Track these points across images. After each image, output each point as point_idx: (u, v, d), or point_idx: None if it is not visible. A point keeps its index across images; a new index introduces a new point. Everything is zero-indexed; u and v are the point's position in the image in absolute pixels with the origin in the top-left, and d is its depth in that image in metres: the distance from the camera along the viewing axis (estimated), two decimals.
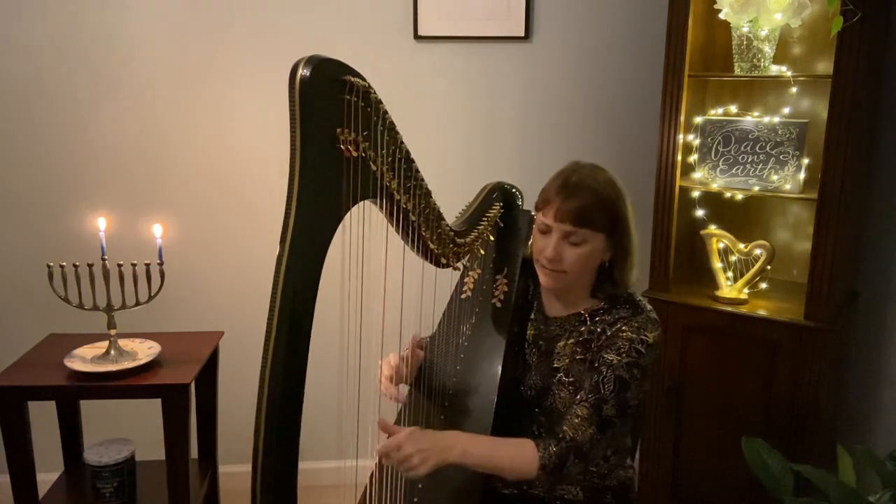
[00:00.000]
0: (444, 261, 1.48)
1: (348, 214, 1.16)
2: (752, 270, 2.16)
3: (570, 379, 1.49)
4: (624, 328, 1.45)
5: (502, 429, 1.47)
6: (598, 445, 1.39)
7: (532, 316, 1.63)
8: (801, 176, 2.06)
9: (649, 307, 1.50)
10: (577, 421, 1.39)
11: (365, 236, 1.25)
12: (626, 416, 1.42)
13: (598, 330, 1.49)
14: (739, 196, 2.21)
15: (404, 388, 1.60)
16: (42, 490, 1.93)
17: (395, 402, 1.54)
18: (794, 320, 2.03)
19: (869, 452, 1.91)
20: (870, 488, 1.88)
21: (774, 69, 2.10)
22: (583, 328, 1.52)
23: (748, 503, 2.14)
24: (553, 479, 1.39)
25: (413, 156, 1.29)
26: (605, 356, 1.43)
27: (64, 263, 1.87)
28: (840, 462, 1.89)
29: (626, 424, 1.48)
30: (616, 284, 1.52)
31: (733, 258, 2.19)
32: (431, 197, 1.37)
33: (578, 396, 1.43)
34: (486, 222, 1.61)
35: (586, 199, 1.43)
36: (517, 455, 1.38)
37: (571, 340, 1.52)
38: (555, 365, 1.53)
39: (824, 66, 2.18)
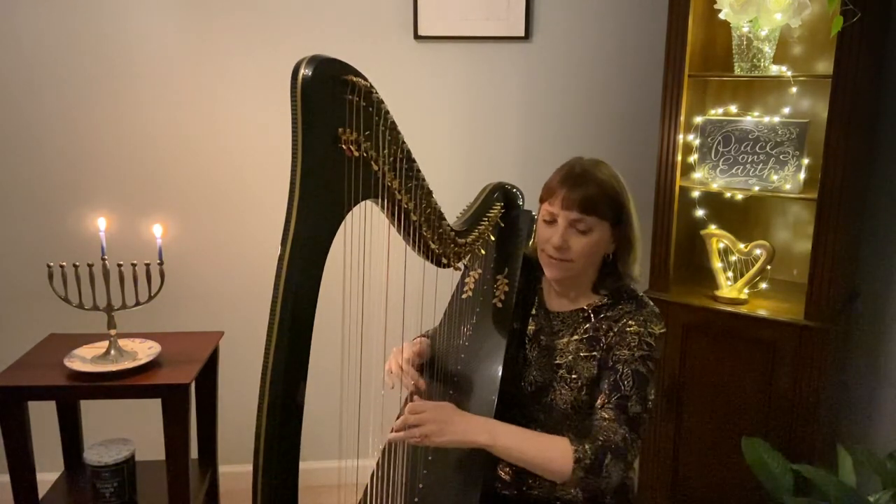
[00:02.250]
0: (445, 261, 1.48)
1: (350, 214, 1.16)
2: (752, 270, 2.16)
3: (574, 376, 1.49)
4: (630, 322, 1.46)
5: None
6: (633, 444, 1.37)
7: (533, 311, 1.63)
8: (801, 176, 2.06)
9: (651, 302, 1.52)
10: (605, 424, 1.37)
11: (366, 236, 1.24)
12: (648, 411, 1.41)
13: (604, 327, 1.49)
14: (739, 196, 2.21)
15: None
16: (42, 490, 1.93)
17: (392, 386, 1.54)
18: (794, 320, 2.03)
19: (869, 452, 1.91)
20: (870, 488, 1.89)
21: (774, 69, 2.10)
22: (587, 325, 1.52)
23: (748, 503, 2.15)
24: (592, 479, 1.32)
25: (414, 156, 1.29)
26: (618, 353, 1.43)
27: (64, 263, 1.86)
28: (840, 462, 1.90)
29: (651, 419, 1.48)
30: (619, 278, 1.53)
31: (733, 258, 2.19)
32: (432, 197, 1.37)
33: (599, 401, 1.42)
34: (486, 222, 1.61)
35: (592, 187, 1.45)
36: (550, 447, 1.35)
37: (575, 337, 1.52)
38: (556, 361, 1.53)
39: (824, 66, 2.18)
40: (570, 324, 1.55)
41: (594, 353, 1.49)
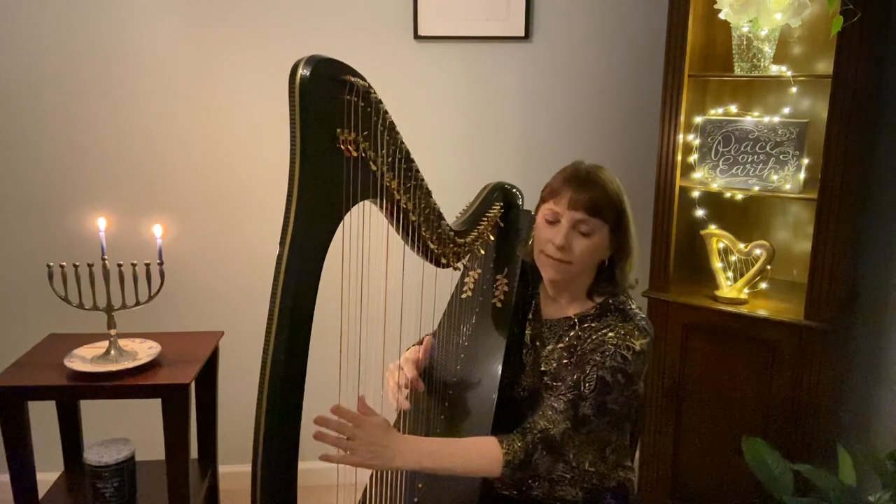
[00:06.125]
0: (444, 261, 1.48)
1: (348, 214, 1.16)
2: (752, 270, 2.16)
3: (557, 383, 1.47)
4: (610, 334, 1.43)
5: (500, 430, 1.46)
6: (569, 442, 1.39)
7: (530, 316, 1.63)
8: (801, 176, 2.06)
9: (640, 315, 1.48)
10: (550, 413, 1.39)
11: (365, 236, 1.25)
12: (603, 418, 1.41)
13: (585, 335, 1.48)
14: (739, 196, 2.21)
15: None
16: (42, 490, 1.93)
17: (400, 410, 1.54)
18: (794, 320, 2.03)
19: (869, 452, 1.91)
20: (870, 488, 1.89)
21: (774, 69, 2.10)
22: (571, 333, 1.51)
23: (748, 503, 2.14)
24: (520, 475, 1.37)
25: (413, 156, 1.29)
26: (590, 357, 1.42)
27: (64, 263, 1.87)
28: (840, 462, 1.90)
29: (603, 426, 1.46)
30: (614, 284, 1.51)
31: (733, 258, 2.19)
32: (431, 197, 1.37)
33: (556, 389, 1.43)
34: (486, 222, 1.61)
35: (598, 190, 1.45)
36: (478, 457, 1.37)
37: (560, 345, 1.51)
38: (542, 368, 1.53)
39: (824, 66, 2.18)
40: (557, 331, 1.54)
41: (572, 359, 1.47)
